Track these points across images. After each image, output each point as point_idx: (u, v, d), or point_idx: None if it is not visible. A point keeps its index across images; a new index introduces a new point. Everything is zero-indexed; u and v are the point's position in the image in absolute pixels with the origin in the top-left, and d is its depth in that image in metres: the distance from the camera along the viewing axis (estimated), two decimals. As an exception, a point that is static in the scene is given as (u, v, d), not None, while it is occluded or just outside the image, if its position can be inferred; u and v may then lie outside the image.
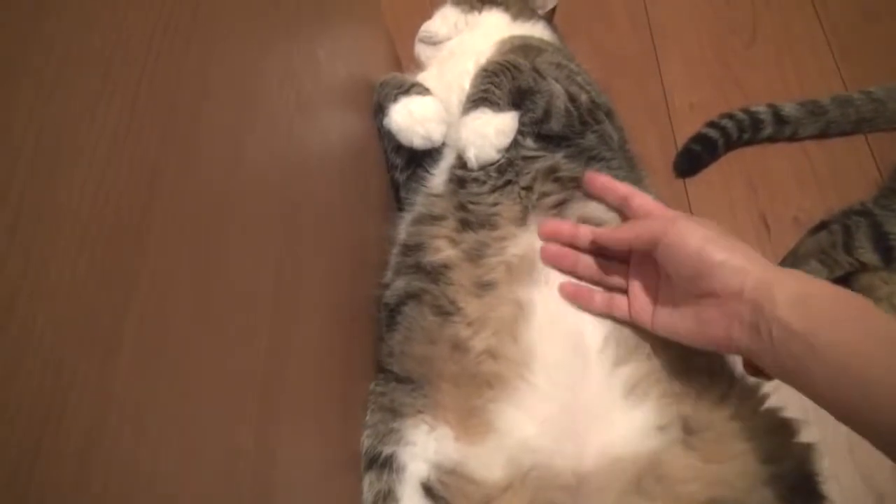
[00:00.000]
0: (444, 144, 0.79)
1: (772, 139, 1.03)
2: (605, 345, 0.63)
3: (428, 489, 0.62)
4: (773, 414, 0.62)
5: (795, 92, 1.07)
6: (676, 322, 0.59)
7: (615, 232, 0.64)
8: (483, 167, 0.73)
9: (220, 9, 0.44)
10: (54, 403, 0.27)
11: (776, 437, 0.61)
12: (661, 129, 1.08)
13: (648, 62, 1.17)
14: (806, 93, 1.06)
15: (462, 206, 0.73)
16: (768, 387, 0.63)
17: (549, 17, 1.00)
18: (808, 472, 0.61)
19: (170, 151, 0.36)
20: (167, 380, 0.35)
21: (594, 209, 0.71)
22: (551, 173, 0.73)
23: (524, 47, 0.84)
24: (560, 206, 0.71)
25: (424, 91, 0.81)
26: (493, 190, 0.73)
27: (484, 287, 0.68)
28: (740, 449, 0.60)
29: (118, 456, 0.31)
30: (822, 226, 0.91)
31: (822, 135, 1.03)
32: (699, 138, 1.03)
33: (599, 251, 0.67)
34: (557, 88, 0.76)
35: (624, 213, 0.68)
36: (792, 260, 0.90)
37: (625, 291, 0.65)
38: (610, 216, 0.70)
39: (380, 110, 0.81)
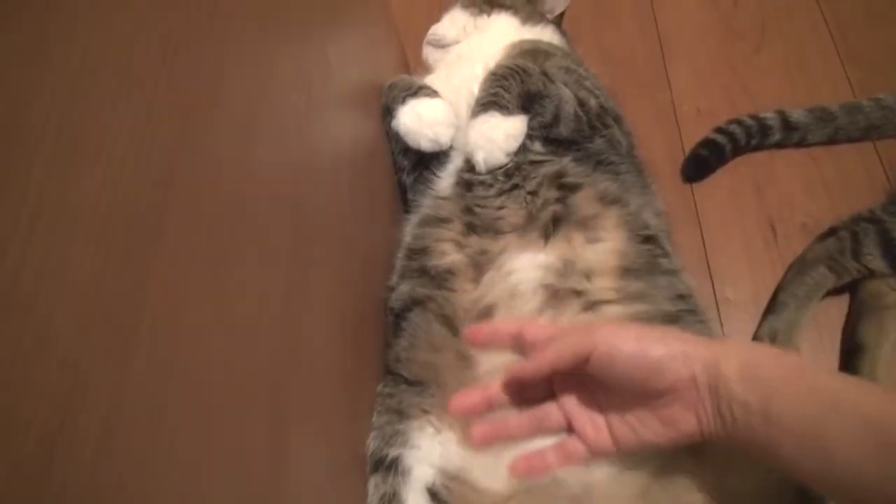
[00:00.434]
0: (451, 147, 0.79)
1: (780, 145, 1.03)
2: None
3: (433, 493, 0.62)
4: None
5: (803, 98, 1.07)
6: (641, 432, 0.54)
7: (532, 363, 0.57)
8: (491, 170, 0.74)
9: (235, 10, 0.45)
10: (71, 401, 0.27)
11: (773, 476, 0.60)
12: (669, 134, 1.08)
13: (656, 67, 1.17)
14: (814, 98, 1.06)
15: (468, 210, 0.73)
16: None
17: (558, 22, 1.00)
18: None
19: (184, 152, 0.37)
20: (181, 379, 0.35)
21: (593, 217, 0.71)
22: (558, 178, 0.73)
23: (533, 51, 0.84)
24: (560, 218, 0.71)
25: (433, 93, 0.81)
26: (500, 193, 0.73)
27: (487, 306, 0.68)
28: (737, 484, 0.59)
29: (133, 454, 0.31)
30: (831, 232, 0.90)
31: (831, 141, 1.02)
32: (707, 143, 1.03)
33: (523, 398, 0.60)
34: (566, 93, 0.76)
35: (523, 350, 0.60)
36: (800, 266, 0.89)
37: (570, 429, 0.59)
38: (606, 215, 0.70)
39: (388, 112, 0.81)
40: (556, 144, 0.76)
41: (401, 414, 0.66)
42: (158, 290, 0.33)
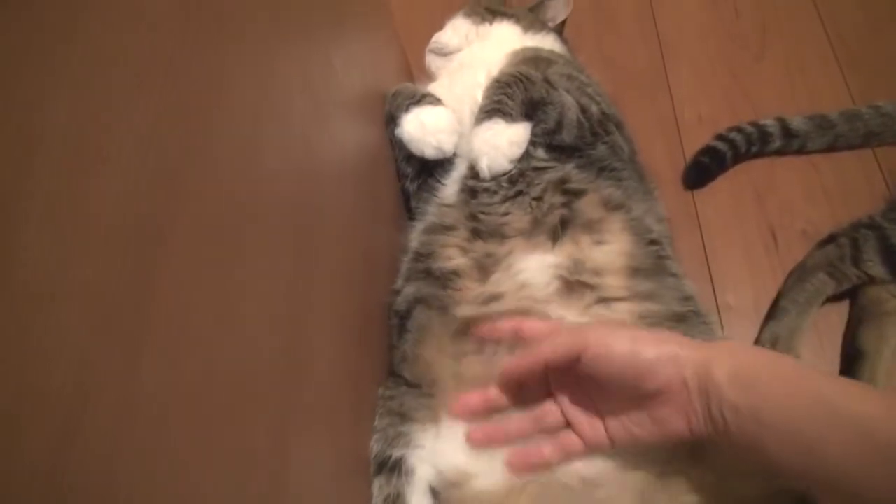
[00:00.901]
0: (455, 155, 0.80)
1: (780, 152, 1.04)
2: None
3: (436, 493, 0.63)
4: None
5: (804, 104, 1.08)
6: (633, 430, 0.56)
7: (527, 357, 0.59)
8: (495, 177, 0.74)
9: (240, 14, 0.45)
10: (82, 401, 0.28)
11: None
12: (670, 141, 1.08)
13: (657, 74, 1.17)
14: (814, 106, 1.06)
15: (473, 216, 0.74)
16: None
17: (560, 30, 1.01)
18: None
19: (190, 154, 0.37)
20: (186, 380, 0.36)
21: (599, 220, 0.71)
22: (562, 184, 0.74)
23: (535, 59, 0.85)
24: (567, 221, 0.71)
25: (436, 101, 0.82)
26: (505, 200, 0.74)
27: (492, 299, 0.68)
28: (738, 490, 0.59)
29: (141, 454, 0.31)
30: (831, 239, 0.91)
31: (831, 148, 1.03)
32: (708, 151, 1.03)
33: (521, 398, 0.62)
34: (569, 100, 0.77)
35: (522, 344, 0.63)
36: (800, 272, 0.90)
37: (567, 426, 0.60)
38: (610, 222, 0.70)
39: (391, 120, 0.82)
40: (560, 151, 0.77)
41: (403, 416, 0.66)
42: (165, 292, 0.34)
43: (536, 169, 0.75)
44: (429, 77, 0.96)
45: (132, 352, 0.31)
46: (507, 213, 0.73)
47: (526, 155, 0.75)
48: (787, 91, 1.12)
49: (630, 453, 0.59)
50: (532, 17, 0.97)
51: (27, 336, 0.26)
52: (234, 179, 0.43)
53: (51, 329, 0.27)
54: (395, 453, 0.64)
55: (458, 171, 0.79)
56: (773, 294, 0.91)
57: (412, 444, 0.64)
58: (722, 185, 1.03)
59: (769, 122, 1.03)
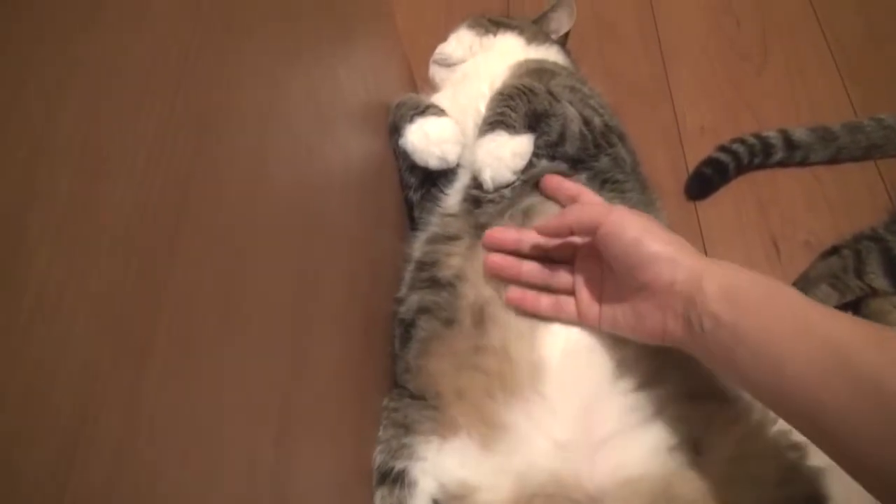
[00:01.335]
0: (458, 165, 0.80)
1: (783, 164, 1.04)
2: (618, 367, 0.64)
3: (439, 505, 0.63)
4: (784, 437, 0.62)
5: (806, 116, 1.08)
6: (618, 317, 0.60)
7: (557, 218, 0.64)
8: (498, 189, 0.74)
9: (250, 26, 0.46)
10: (92, 406, 0.28)
11: (787, 460, 0.61)
12: (673, 152, 1.09)
13: (659, 85, 1.18)
14: (816, 117, 1.07)
15: (476, 226, 0.74)
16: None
17: (563, 42, 1.02)
18: (819, 495, 0.60)
19: (200, 163, 0.37)
20: (194, 388, 0.36)
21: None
22: None
23: (539, 71, 0.85)
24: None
25: (440, 112, 0.82)
26: (505, 211, 0.74)
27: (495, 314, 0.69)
28: (751, 471, 0.60)
29: (149, 460, 0.31)
30: (834, 250, 0.91)
31: (833, 160, 1.03)
32: (710, 162, 1.03)
33: (544, 255, 0.68)
34: (572, 112, 0.77)
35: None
36: (803, 284, 0.90)
37: (572, 293, 0.65)
38: None
39: (395, 131, 0.82)
40: (562, 163, 0.77)
41: (406, 428, 0.66)
42: (174, 299, 0.34)
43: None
44: (432, 88, 0.96)
45: (137, 364, 0.31)
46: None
47: (529, 166, 0.75)
48: (788, 102, 1.13)
49: (634, 466, 0.60)
50: (535, 29, 0.98)
51: (30, 348, 0.26)
52: (239, 189, 0.43)
53: (54, 340, 0.27)
54: (398, 465, 0.64)
55: (461, 182, 0.79)
56: (775, 305, 0.91)
57: (415, 456, 0.64)
58: (725, 197, 1.04)
59: (772, 134, 1.04)
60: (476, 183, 0.76)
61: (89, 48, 0.30)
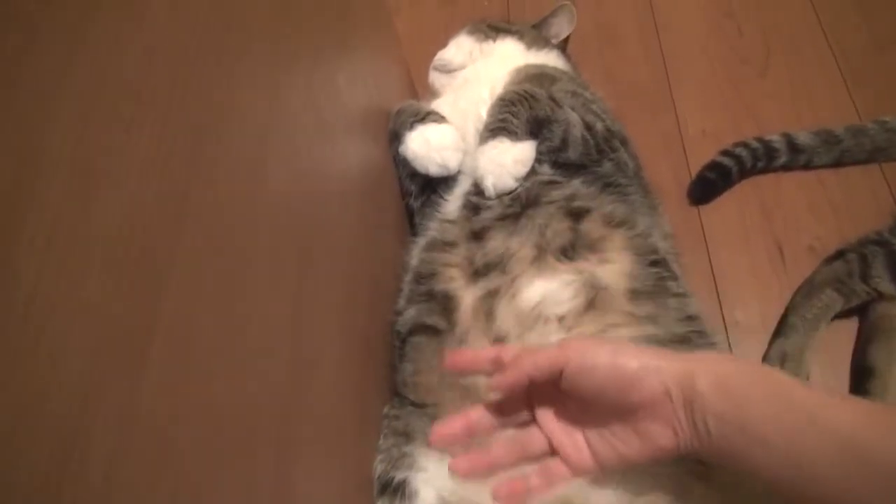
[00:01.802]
0: (459, 171, 0.79)
1: (786, 167, 1.03)
2: None
3: (440, 517, 0.62)
4: None
5: (808, 120, 1.08)
6: (620, 449, 0.54)
7: (511, 373, 0.56)
8: (500, 196, 0.74)
9: (247, 31, 0.45)
10: (82, 423, 0.27)
11: None
12: (675, 157, 1.08)
13: (661, 90, 1.17)
14: (819, 121, 1.06)
15: (471, 233, 0.73)
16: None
17: (563, 47, 1.01)
18: None
19: (197, 175, 0.37)
20: (190, 401, 0.35)
21: (600, 239, 0.71)
22: (568, 202, 0.73)
23: (540, 76, 0.85)
24: (571, 246, 0.71)
25: (440, 119, 0.82)
26: (504, 218, 0.73)
27: (496, 337, 0.68)
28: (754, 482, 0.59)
29: (142, 478, 0.31)
30: (839, 255, 0.90)
31: (837, 164, 1.02)
32: (713, 166, 1.03)
33: (503, 422, 0.60)
34: (574, 117, 0.77)
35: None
36: (808, 289, 0.89)
37: (553, 452, 0.58)
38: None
39: (395, 137, 0.81)
40: (565, 168, 0.77)
41: (407, 436, 0.66)
42: (169, 313, 0.33)
43: (542, 183, 0.74)
44: (433, 94, 0.96)
45: (133, 373, 0.31)
46: (511, 237, 0.72)
47: (531, 172, 0.75)
48: (790, 106, 1.12)
49: (636, 475, 0.59)
50: (535, 34, 0.98)
51: (27, 356, 0.25)
52: (239, 197, 0.43)
53: (52, 349, 0.26)
54: (399, 475, 0.63)
55: (462, 188, 0.79)
56: (780, 310, 0.90)
57: (416, 466, 0.64)
58: (728, 201, 1.03)
59: (775, 138, 1.03)
60: (477, 189, 0.76)
61: (83, 61, 0.29)
